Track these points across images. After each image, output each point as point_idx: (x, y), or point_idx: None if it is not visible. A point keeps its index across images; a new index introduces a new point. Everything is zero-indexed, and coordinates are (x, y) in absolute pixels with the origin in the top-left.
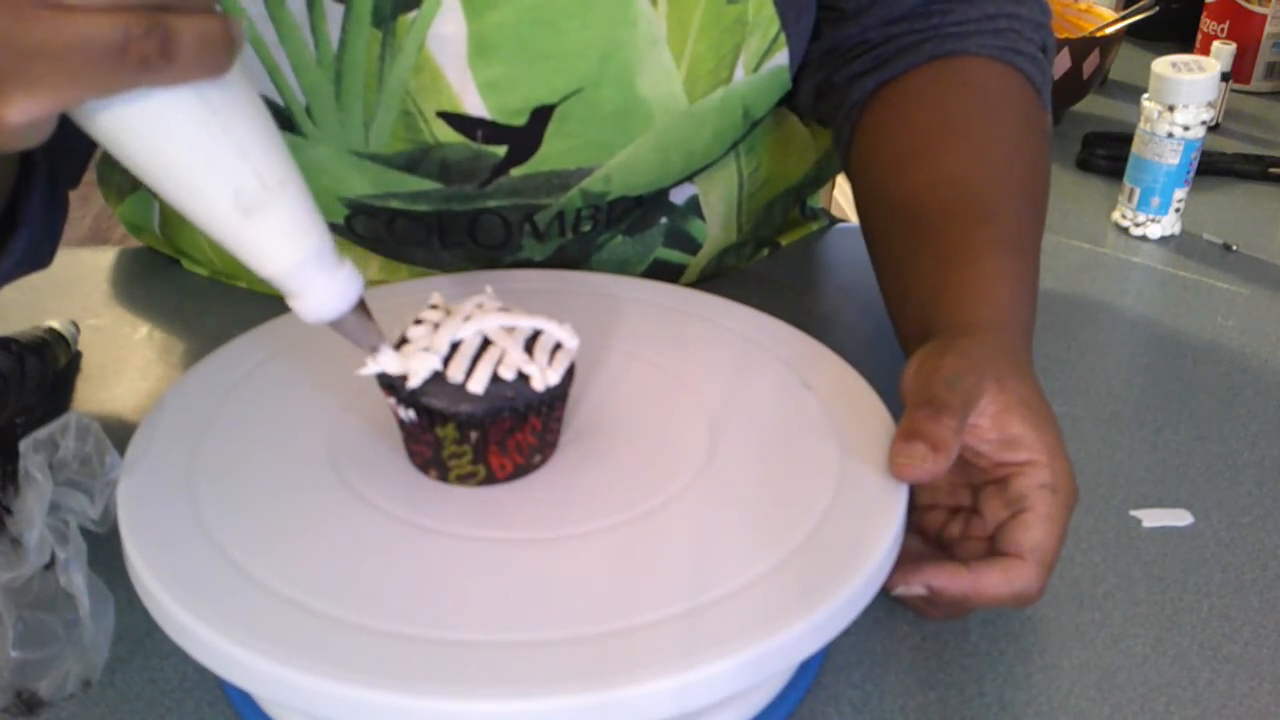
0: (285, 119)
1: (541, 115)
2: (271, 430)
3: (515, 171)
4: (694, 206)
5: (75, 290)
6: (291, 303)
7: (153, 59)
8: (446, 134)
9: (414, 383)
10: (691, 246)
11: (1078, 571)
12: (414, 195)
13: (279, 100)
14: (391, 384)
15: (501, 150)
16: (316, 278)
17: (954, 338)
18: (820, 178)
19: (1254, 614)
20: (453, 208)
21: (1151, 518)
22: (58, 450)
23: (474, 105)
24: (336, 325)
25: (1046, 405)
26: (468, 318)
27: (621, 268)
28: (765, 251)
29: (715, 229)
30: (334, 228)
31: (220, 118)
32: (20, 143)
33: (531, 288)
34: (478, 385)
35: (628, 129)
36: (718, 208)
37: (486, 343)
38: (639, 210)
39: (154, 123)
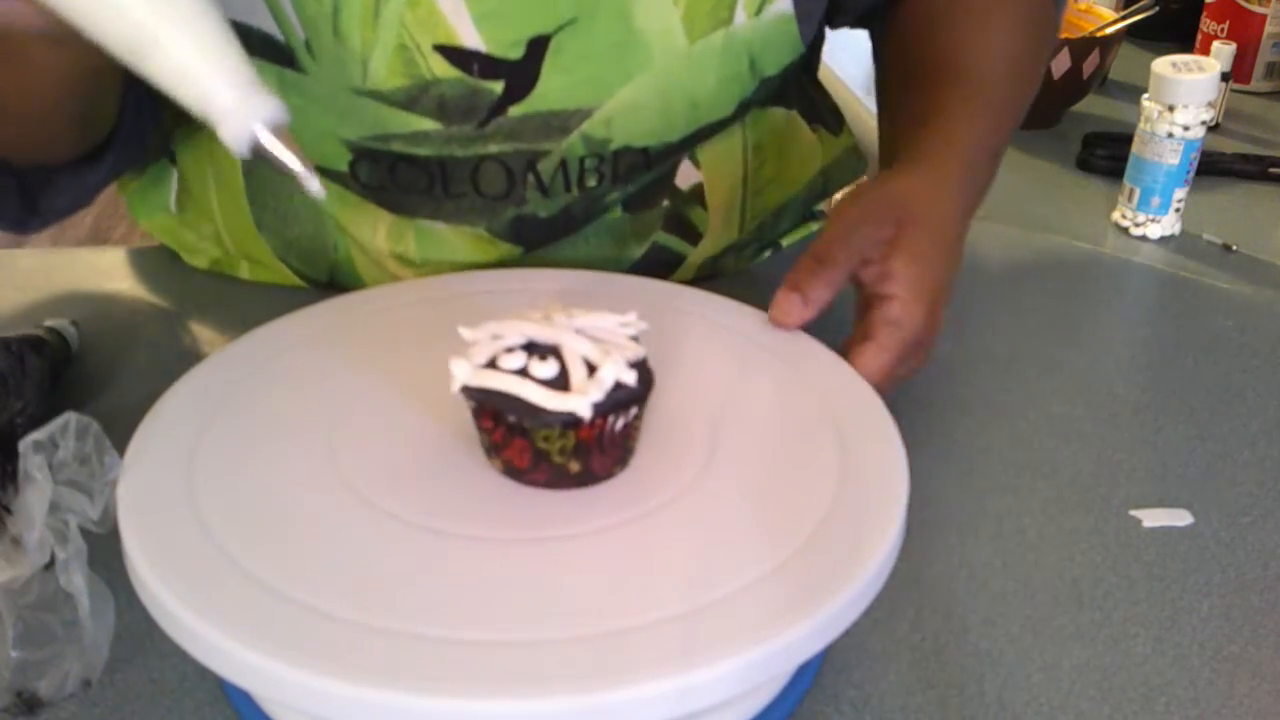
0: (286, 55)
1: (537, 47)
2: (272, 430)
3: (514, 110)
4: (698, 194)
5: (75, 290)
6: (218, 134)
7: None
8: (443, 68)
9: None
10: (692, 236)
11: (1078, 571)
12: (414, 136)
13: (279, 36)
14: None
15: (499, 86)
16: (229, 106)
17: (894, 174)
18: (827, 189)
19: (1254, 614)
20: (454, 152)
21: (1151, 518)
22: (58, 450)
23: (470, 37)
24: (258, 152)
25: (939, 254)
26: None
27: (620, 246)
28: (767, 254)
29: (717, 221)
30: (339, 177)
31: None
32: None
33: (532, 288)
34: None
35: (625, 65)
36: (721, 197)
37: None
38: (646, 172)
39: None
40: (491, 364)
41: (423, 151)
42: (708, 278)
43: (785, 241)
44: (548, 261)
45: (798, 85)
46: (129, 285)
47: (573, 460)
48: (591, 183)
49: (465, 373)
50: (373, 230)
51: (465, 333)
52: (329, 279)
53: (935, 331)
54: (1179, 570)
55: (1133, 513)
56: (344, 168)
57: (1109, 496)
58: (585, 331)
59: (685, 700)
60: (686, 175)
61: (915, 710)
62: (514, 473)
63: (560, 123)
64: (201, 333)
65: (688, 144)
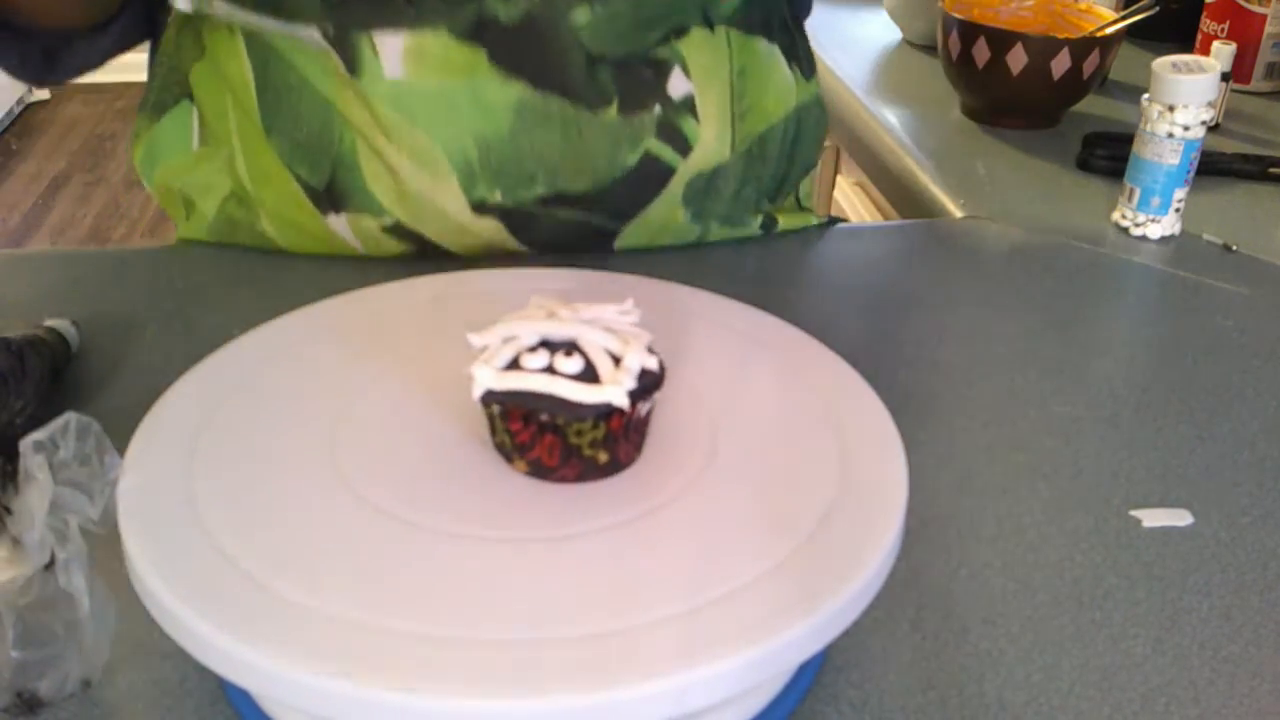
0: None
1: None
2: (272, 429)
3: None
4: (689, 104)
5: (75, 290)
6: None
7: None
8: None
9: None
10: (683, 146)
11: (1078, 571)
12: None
13: None
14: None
15: None
16: None
17: None
18: (799, 132)
19: (1254, 614)
20: None
21: (1151, 518)
22: (58, 450)
23: None
24: None
25: None
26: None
27: (614, 149)
28: (759, 221)
29: (709, 136)
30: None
31: None
32: None
33: (534, 287)
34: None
35: None
36: (711, 111)
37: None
38: None
39: None
40: (513, 365)
41: None
42: (698, 208)
43: (781, 220)
44: (545, 155)
45: (782, 22)
46: (129, 285)
47: (601, 451)
48: None
49: (489, 377)
50: (362, 108)
51: (474, 339)
52: (329, 179)
53: None
54: (1179, 570)
55: (1133, 513)
56: None
57: (1109, 496)
58: (595, 323)
59: (685, 700)
60: (678, 85)
61: (915, 710)
62: (542, 471)
63: None
64: (201, 333)
65: None
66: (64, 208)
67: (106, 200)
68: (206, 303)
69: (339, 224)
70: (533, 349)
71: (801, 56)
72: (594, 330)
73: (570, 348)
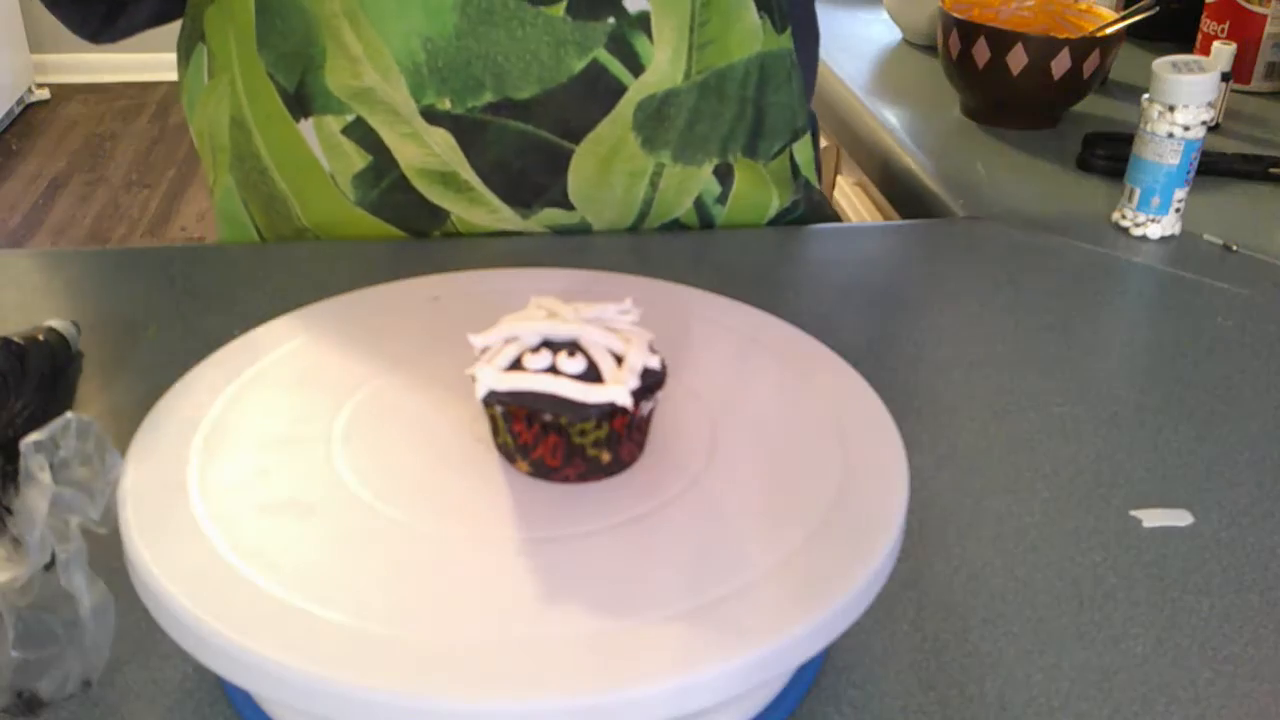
0: None
1: None
2: (272, 430)
3: None
4: (644, 21)
5: (75, 290)
6: None
7: None
8: None
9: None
10: (634, 65)
11: (1078, 571)
12: None
13: None
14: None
15: None
16: None
17: None
18: (762, 82)
19: (1254, 614)
20: None
21: (1151, 518)
22: (58, 450)
23: None
24: None
25: None
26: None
27: (559, 51)
28: (713, 165)
29: (662, 59)
30: None
31: None
32: None
33: (534, 287)
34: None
35: None
36: (667, 35)
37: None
38: None
39: None
40: (515, 365)
41: None
42: (649, 133)
43: (738, 178)
44: (491, 56)
45: None
46: (129, 285)
47: (604, 451)
48: None
49: (491, 378)
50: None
51: (476, 339)
52: (299, 82)
53: None
54: (1179, 570)
55: (1133, 513)
56: None
57: (1109, 496)
58: (596, 322)
59: (685, 700)
60: (634, 1)
61: (915, 710)
62: (545, 471)
63: None
64: (201, 333)
65: None
66: (64, 208)
67: (106, 200)
68: (206, 303)
69: (307, 130)
70: (534, 349)
71: (774, 9)
72: (595, 330)
73: (572, 348)
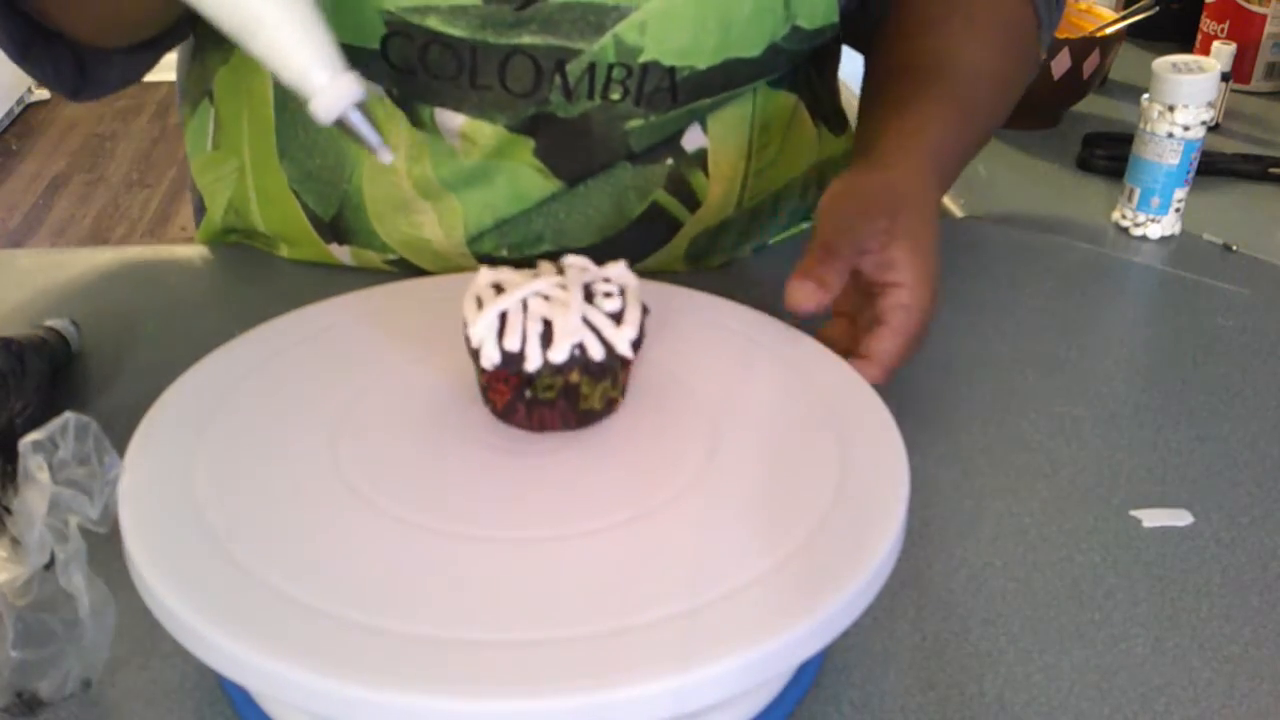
0: None
1: None
2: (272, 429)
3: None
4: (701, 158)
5: (75, 290)
6: (308, 107)
7: None
8: None
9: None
10: (691, 201)
11: (1078, 571)
12: (452, 11)
13: None
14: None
15: None
16: (321, 84)
17: (880, 166)
18: (821, 181)
19: (1254, 614)
20: (487, 38)
21: (1151, 518)
22: (58, 450)
23: None
24: (342, 124)
25: (931, 238)
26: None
27: (620, 200)
28: (749, 247)
29: (718, 192)
30: (370, 60)
31: None
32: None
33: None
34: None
35: None
36: (724, 169)
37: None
38: (671, 102)
39: None
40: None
41: (457, 31)
42: (697, 258)
43: (773, 239)
44: (554, 213)
45: (807, 78)
46: (129, 285)
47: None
48: (615, 95)
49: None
50: (389, 133)
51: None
52: (336, 213)
53: (935, 315)
54: (1179, 570)
55: (1133, 513)
56: (376, 44)
57: (1109, 496)
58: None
59: (685, 700)
60: (693, 139)
61: (915, 710)
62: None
63: (597, 19)
64: (201, 333)
65: (713, 80)
66: (64, 208)
67: (106, 200)
68: (206, 303)
69: (341, 253)
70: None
71: (830, 114)
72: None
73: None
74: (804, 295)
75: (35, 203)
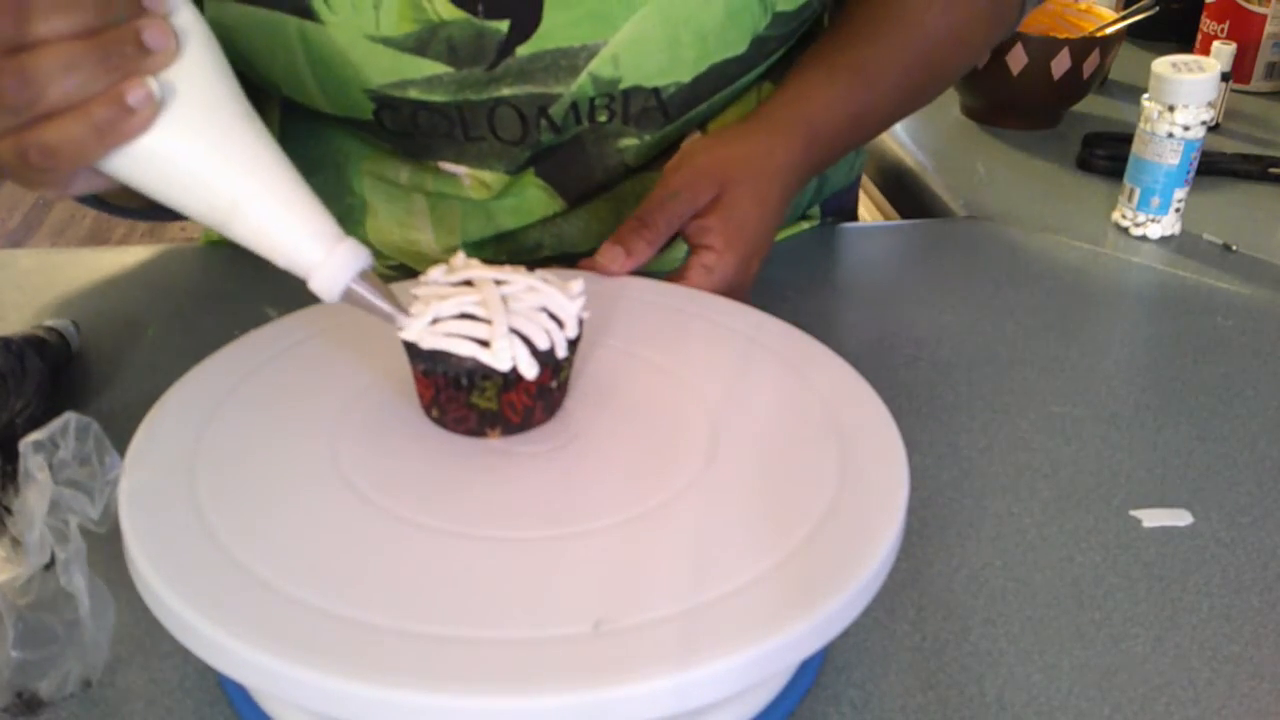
0: (304, 8)
1: None
2: (272, 429)
3: (521, 50)
4: None
5: (75, 290)
6: (310, 286)
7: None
8: (449, 10)
9: (504, 365)
10: None
11: (1078, 571)
12: (429, 81)
13: None
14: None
15: (504, 25)
16: (316, 261)
17: (726, 140)
18: (822, 186)
19: (1254, 614)
20: (469, 96)
21: (1151, 518)
22: (58, 450)
23: None
24: (350, 299)
25: (760, 213)
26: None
27: (621, 208)
28: None
29: None
30: (366, 126)
31: (166, 166)
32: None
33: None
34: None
35: None
36: None
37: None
38: (663, 119)
39: (139, 168)
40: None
41: (438, 98)
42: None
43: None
44: (555, 222)
45: None
46: (129, 285)
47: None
48: (602, 118)
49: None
50: (395, 174)
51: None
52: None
53: (748, 283)
54: (1179, 570)
55: (1133, 513)
56: (369, 116)
57: (1109, 496)
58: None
59: (685, 698)
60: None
61: (915, 710)
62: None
63: (569, 61)
64: (201, 332)
65: (702, 88)
66: (64, 208)
67: None
68: (206, 303)
69: None
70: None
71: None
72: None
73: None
74: (609, 258)
75: (35, 203)
